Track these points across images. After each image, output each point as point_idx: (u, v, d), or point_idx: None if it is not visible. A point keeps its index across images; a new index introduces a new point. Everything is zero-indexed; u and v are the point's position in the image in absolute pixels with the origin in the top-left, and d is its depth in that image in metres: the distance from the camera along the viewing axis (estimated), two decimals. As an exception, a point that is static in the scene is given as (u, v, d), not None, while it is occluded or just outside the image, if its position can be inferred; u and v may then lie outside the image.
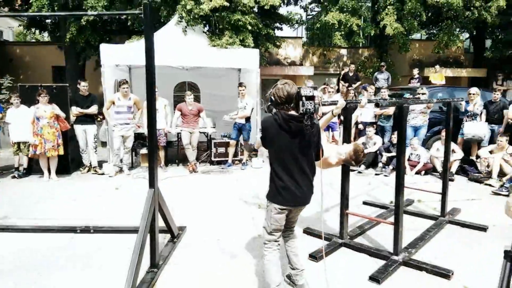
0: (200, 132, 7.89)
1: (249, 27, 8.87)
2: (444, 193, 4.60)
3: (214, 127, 8.38)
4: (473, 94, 7.58)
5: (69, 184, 6.44)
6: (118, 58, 7.19)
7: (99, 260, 3.57)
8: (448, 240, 4.07)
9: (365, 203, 5.37)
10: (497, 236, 4.11)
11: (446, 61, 13.05)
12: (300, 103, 2.48)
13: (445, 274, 3.22)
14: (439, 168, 6.94)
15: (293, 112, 2.56)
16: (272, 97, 2.58)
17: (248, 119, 7.59)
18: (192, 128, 7.43)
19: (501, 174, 6.41)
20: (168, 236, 4.00)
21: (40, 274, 3.29)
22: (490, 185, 6.26)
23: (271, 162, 2.68)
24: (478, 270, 3.37)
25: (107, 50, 7.04)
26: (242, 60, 7.63)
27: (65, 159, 6.93)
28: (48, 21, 14.11)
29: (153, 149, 3.31)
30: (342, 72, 11.82)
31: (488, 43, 14.16)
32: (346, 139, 3.78)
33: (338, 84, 11.12)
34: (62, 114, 6.71)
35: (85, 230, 4.20)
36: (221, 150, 7.91)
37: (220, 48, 7.91)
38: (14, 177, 6.72)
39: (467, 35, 14.80)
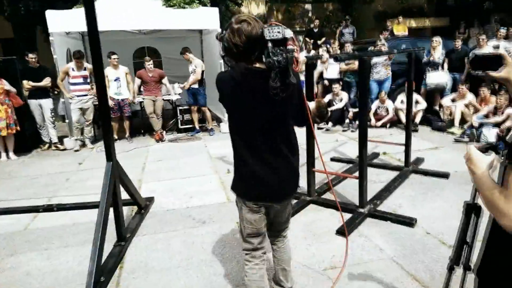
0: (165, 100, 7.63)
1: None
2: (407, 144, 4.70)
3: (179, 94, 8.11)
4: (435, 41, 7.63)
5: (29, 163, 6.15)
6: (67, 25, 6.66)
7: (64, 238, 3.46)
8: (412, 189, 4.20)
9: (332, 159, 5.43)
10: (458, 182, 4.26)
11: (409, 11, 13.00)
12: (265, 51, 1.60)
13: (408, 222, 3.33)
14: (404, 120, 7.07)
15: (259, 65, 1.72)
16: (226, 44, 1.72)
17: (201, 82, 7.25)
18: (154, 95, 7.16)
19: (463, 121, 6.61)
20: (136, 208, 3.92)
21: (1, 257, 3.16)
22: (452, 133, 6.46)
23: (231, 137, 1.88)
24: (440, 216, 3.50)
25: (54, 17, 6.49)
26: (202, 20, 7.25)
27: (23, 137, 6.55)
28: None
29: (107, 121, 3.14)
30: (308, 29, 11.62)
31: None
32: (309, 97, 3.71)
33: (304, 41, 10.92)
34: (13, 89, 6.28)
35: (48, 208, 4.05)
36: (188, 117, 7.71)
37: (176, 8, 7.47)
38: (-33, 159, 6.34)
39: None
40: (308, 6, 14.84)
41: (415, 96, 7.25)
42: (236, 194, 1.97)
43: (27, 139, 6.74)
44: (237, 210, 2.01)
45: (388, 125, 7.30)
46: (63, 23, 6.61)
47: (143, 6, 7.36)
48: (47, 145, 6.88)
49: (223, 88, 1.80)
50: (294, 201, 3.88)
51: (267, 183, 1.86)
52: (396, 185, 4.22)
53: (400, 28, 11.11)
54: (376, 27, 12.23)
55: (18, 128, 6.27)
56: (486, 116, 6.08)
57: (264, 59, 1.62)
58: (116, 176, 3.12)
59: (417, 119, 7.01)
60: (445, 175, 4.45)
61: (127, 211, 3.91)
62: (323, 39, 11.03)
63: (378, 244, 3.07)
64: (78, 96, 6.59)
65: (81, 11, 7.04)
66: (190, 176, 5.01)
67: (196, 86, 7.20)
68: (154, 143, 7.05)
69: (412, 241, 3.10)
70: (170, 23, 7.13)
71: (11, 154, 6.32)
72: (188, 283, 2.70)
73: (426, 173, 4.57)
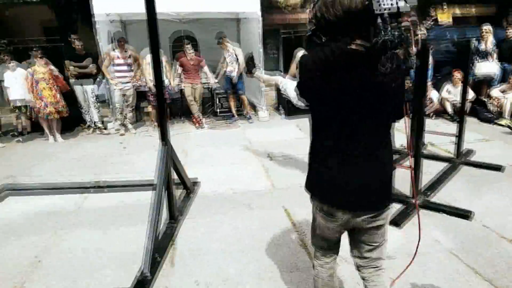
0: (204, 86, 7.68)
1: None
2: (459, 135, 4.51)
3: (217, 81, 8.12)
4: (485, 30, 7.24)
5: (74, 144, 6.38)
6: (110, 7, 6.76)
7: (116, 218, 3.56)
8: (465, 181, 4.03)
9: (376, 149, 5.29)
10: (513, 175, 4.07)
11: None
12: (372, 28, 1.32)
13: (464, 215, 3.21)
14: (450, 110, 6.80)
15: (356, 45, 1.39)
16: (315, 19, 1.44)
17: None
18: (194, 82, 7.21)
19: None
20: (182, 190, 3.98)
21: (58, 235, 3.29)
22: (502, 125, 6.16)
23: (312, 128, 1.60)
24: (497, 210, 3.35)
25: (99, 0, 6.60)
26: (242, 5, 7.17)
27: (66, 120, 6.78)
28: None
29: (163, 104, 3.18)
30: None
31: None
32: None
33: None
34: (60, 75, 6.50)
35: (98, 187, 4.18)
36: (225, 103, 7.74)
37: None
38: (19, 141, 6.63)
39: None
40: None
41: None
42: (310, 191, 1.67)
43: (70, 122, 6.98)
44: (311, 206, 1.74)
45: (432, 115, 7.03)
46: (107, 6, 6.70)
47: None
48: (91, 129, 7.10)
49: (310, 71, 1.47)
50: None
51: (348, 189, 1.53)
52: (448, 177, 4.07)
53: (445, 16, 10.60)
54: (418, 14, 11.72)
55: (66, 112, 6.51)
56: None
57: (371, 36, 1.32)
58: (169, 158, 3.17)
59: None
60: (498, 168, 4.25)
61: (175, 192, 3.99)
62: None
63: (434, 236, 2.97)
64: (121, 82, 6.73)
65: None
66: (233, 163, 5.03)
67: (233, 74, 7.20)
68: (194, 129, 7.13)
69: (470, 235, 2.98)
70: (212, 7, 7.05)
71: (58, 136, 6.57)
72: (239, 267, 2.71)
73: (478, 165, 4.37)
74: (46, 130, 6.52)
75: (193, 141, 6.28)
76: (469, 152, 4.82)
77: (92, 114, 7.00)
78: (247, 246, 2.96)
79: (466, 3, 12.48)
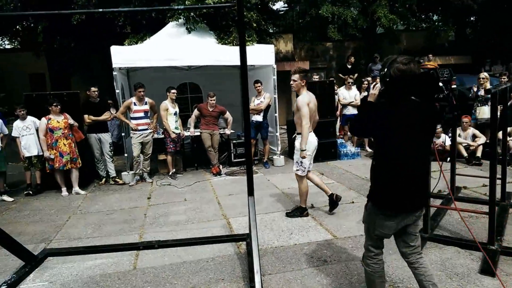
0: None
1: (254, 24, 8.71)
2: (503, 178, 4.62)
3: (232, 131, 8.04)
4: (483, 78, 7.78)
5: (93, 198, 5.94)
6: (129, 60, 6.69)
7: (185, 278, 3.25)
8: (523, 224, 4.08)
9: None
10: None
11: (431, 50, 13.37)
12: (435, 88, 2.39)
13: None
14: (465, 154, 7.08)
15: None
16: (392, 77, 2.11)
17: (265, 116, 7.38)
18: (212, 130, 7.12)
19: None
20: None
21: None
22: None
23: (380, 157, 2.29)
24: None
25: (118, 52, 6.53)
26: (258, 57, 7.35)
27: (81, 171, 6.36)
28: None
29: (249, 155, 3.08)
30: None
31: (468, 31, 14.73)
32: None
33: (338, 77, 11.13)
34: (76, 124, 6.20)
35: (148, 245, 3.84)
36: (241, 150, 7.63)
37: (231, 46, 7.62)
38: (28, 194, 6.13)
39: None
40: (329, 45, 15.24)
41: (473, 131, 7.34)
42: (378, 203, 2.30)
43: (87, 173, 6.59)
44: (366, 213, 2.40)
45: (448, 159, 7.24)
46: (126, 59, 6.63)
47: (196, 44, 7.49)
48: (103, 179, 6.72)
49: (382, 118, 2.18)
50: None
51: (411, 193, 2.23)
52: (502, 219, 4.10)
53: (432, 65, 11.39)
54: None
55: (79, 163, 6.16)
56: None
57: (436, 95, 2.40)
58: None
59: (479, 153, 6.99)
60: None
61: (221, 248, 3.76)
62: (356, 75, 11.20)
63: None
64: (139, 130, 6.51)
65: (142, 47, 7.20)
66: (274, 211, 4.85)
67: (260, 119, 7.24)
68: (212, 176, 6.91)
69: None
70: (229, 59, 7.14)
71: (77, 188, 6.15)
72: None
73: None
74: (60, 183, 6.08)
75: (218, 189, 6.06)
76: (510, 194, 4.92)
77: (106, 164, 6.67)
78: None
79: (445, 55, 13.55)
